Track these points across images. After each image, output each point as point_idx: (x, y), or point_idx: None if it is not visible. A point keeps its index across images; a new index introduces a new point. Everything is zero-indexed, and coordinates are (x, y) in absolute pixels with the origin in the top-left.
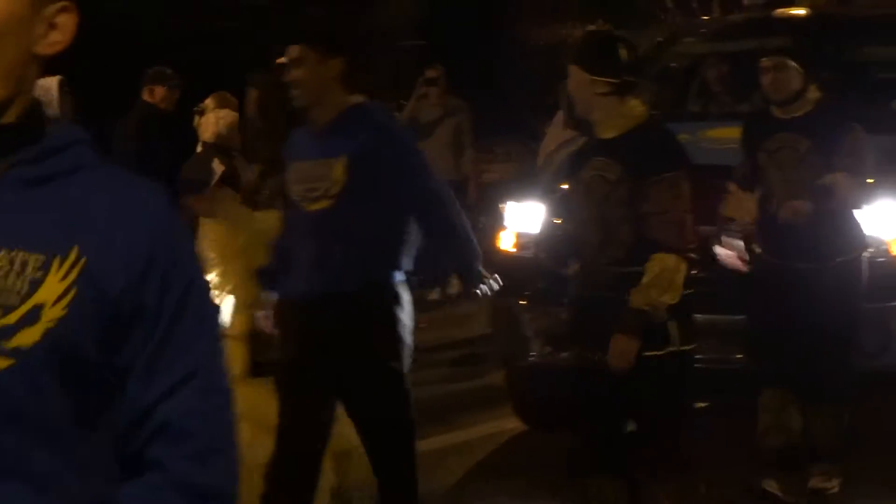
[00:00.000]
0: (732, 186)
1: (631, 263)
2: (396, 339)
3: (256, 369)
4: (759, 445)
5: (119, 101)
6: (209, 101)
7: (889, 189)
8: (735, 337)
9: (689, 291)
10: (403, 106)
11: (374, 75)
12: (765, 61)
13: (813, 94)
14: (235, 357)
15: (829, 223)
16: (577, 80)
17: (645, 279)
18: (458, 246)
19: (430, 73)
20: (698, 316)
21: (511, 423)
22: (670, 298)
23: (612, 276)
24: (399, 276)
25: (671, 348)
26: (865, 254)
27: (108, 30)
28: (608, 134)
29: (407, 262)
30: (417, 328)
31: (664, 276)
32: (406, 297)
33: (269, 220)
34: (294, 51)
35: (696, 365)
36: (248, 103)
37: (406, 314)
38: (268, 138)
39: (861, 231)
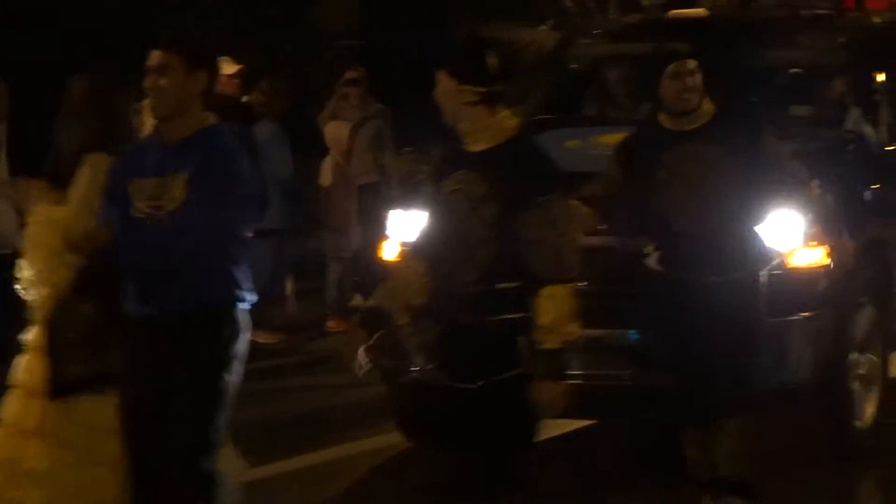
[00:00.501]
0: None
1: (486, 283)
2: (225, 360)
3: (59, 388)
4: (690, 477)
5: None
6: (147, 101)
7: (785, 200)
8: (623, 352)
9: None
10: None
11: (309, 76)
12: (674, 67)
13: (707, 106)
14: (35, 371)
15: (733, 236)
16: (444, 87)
17: (546, 318)
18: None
19: (351, 75)
20: (585, 330)
21: (397, 438)
22: (575, 327)
23: (470, 297)
24: (242, 303)
25: (518, 370)
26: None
27: (52, 26)
28: (476, 147)
29: (249, 289)
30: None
31: (563, 309)
32: (244, 319)
33: (62, 213)
34: (158, 57)
35: (576, 381)
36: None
37: (242, 339)
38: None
39: (763, 246)
